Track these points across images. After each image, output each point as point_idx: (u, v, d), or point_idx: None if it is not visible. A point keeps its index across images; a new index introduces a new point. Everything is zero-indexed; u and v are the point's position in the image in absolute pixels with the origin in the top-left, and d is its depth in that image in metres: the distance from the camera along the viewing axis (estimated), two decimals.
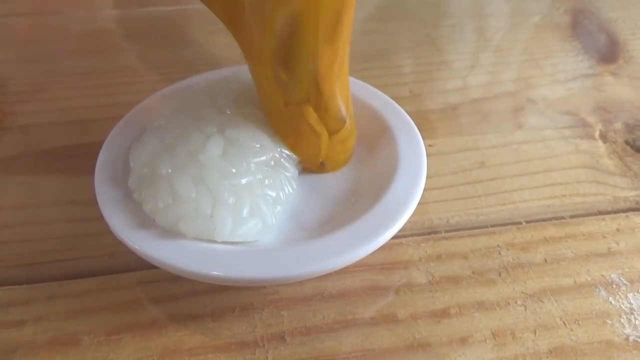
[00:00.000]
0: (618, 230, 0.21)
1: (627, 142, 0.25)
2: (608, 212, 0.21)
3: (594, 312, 0.18)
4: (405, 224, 0.18)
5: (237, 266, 0.16)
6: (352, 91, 0.20)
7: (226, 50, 0.31)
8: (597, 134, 0.25)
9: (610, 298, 0.18)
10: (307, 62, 0.17)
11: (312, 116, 0.19)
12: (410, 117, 0.21)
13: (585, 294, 0.18)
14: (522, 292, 0.18)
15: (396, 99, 0.23)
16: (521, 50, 0.32)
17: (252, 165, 0.18)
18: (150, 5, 0.36)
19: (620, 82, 0.29)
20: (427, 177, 0.19)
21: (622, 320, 0.18)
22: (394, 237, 0.18)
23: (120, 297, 0.18)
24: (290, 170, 0.20)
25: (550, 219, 0.21)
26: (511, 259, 0.20)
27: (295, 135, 0.20)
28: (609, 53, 0.31)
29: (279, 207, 0.19)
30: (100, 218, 0.17)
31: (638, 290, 0.19)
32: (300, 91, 0.18)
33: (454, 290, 0.19)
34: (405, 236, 0.20)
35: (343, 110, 0.19)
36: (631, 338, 0.17)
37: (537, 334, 0.17)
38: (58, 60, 0.30)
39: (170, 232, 0.17)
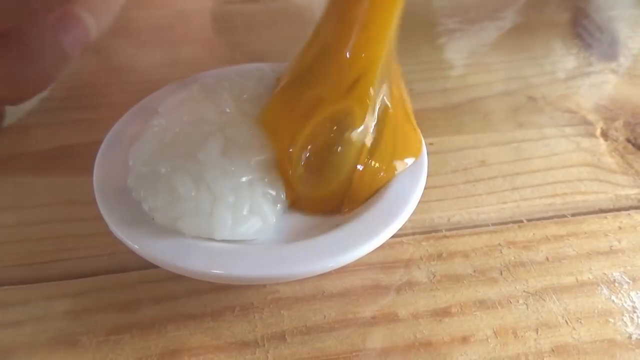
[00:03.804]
0: (620, 228, 0.21)
1: (628, 140, 0.25)
2: (610, 210, 0.21)
3: (596, 311, 0.18)
4: (406, 222, 0.17)
5: (237, 264, 0.16)
6: None
7: (226, 49, 0.31)
8: (598, 132, 0.25)
9: (612, 296, 0.18)
10: None
11: None
12: None
13: (587, 293, 0.18)
14: (524, 291, 0.18)
15: None
16: (521, 49, 0.31)
17: (253, 163, 0.18)
18: (150, 7, 0.35)
19: (621, 79, 0.29)
20: (427, 175, 0.19)
21: (624, 319, 0.17)
22: (395, 236, 0.17)
23: (119, 296, 0.18)
24: None
25: (551, 217, 0.21)
26: (513, 258, 0.19)
27: None
28: (609, 51, 0.31)
29: (279, 205, 0.18)
30: (100, 217, 0.17)
31: None
32: None
33: (455, 289, 0.18)
34: (406, 235, 0.20)
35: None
36: (634, 336, 0.17)
37: (539, 333, 0.17)
38: None
39: (170, 231, 0.17)
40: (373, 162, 0.18)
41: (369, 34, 0.17)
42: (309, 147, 0.18)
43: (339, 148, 0.18)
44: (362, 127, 0.18)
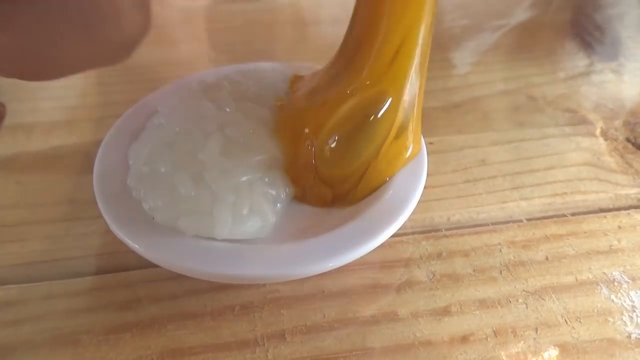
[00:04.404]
0: (619, 227, 0.21)
1: (628, 140, 0.25)
2: (609, 210, 0.21)
3: (595, 310, 0.18)
4: (406, 221, 0.17)
5: (237, 264, 0.16)
6: None
7: (226, 48, 0.31)
8: (598, 131, 0.25)
9: (612, 296, 0.18)
10: None
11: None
12: None
13: (586, 292, 0.18)
14: (524, 290, 0.18)
15: None
16: (522, 48, 0.31)
17: (252, 163, 0.18)
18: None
19: (621, 79, 0.29)
20: (427, 175, 0.19)
21: (623, 318, 0.18)
22: (395, 235, 0.17)
23: (119, 296, 0.18)
24: None
25: (551, 217, 0.21)
26: (512, 257, 0.19)
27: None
28: (610, 50, 0.31)
29: (279, 204, 0.18)
30: (100, 217, 0.17)
31: None
32: None
33: (454, 288, 0.18)
34: (406, 234, 0.20)
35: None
36: (633, 336, 0.17)
37: (538, 332, 0.17)
38: None
39: (170, 230, 0.17)
40: (400, 138, 0.18)
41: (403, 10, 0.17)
42: (339, 128, 0.18)
43: (371, 124, 0.18)
44: (396, 105, 0.18)
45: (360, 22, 0.18)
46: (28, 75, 0.13)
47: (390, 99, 0.18)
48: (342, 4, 0.21)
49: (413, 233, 0.20)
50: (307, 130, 0.19)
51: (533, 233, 0.20)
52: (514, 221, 0.21)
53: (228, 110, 0.20)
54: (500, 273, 0.19)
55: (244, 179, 0.18)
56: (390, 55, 0.17)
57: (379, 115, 0.18)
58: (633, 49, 0.31)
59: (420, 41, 0.17)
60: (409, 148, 0.19)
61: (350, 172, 0.19)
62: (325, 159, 0.18)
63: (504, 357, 0.16)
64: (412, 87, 0.18)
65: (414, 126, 0.19)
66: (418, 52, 0.18)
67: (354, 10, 0.18)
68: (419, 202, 0.18)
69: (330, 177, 0.19)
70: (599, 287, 0.18)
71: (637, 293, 0.18)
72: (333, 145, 0.18)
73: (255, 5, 0.35)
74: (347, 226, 0.17)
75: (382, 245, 0.17)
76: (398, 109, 0.18)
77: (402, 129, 0.18)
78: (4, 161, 0.24)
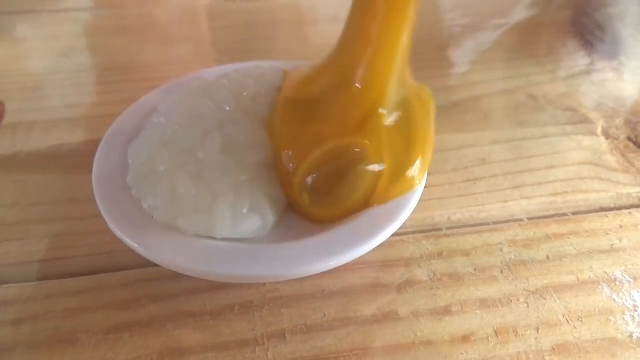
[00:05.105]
0: (621, 227, 0.21)
1: (629, 139, 0.25)
2: (611, 209, 0.21)
3: (597, 310, 0.18)
4: (407, 221, 0.17)
5: (237, 263, 0.16)
6: None
7: (225, 47, 0.31)
8: (599, 130, 0.25)
9: (613, 295, 0.18)
10: None
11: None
12: None
13: (588, 291, 0.18)
14: (525, 290, 0.18)
15: None
16: (522, 47, 0.31)
17: (252, 161, 0.18)
18: (149, 4, 0.35)
19: (621, 78, 0.29)
20: (428, 174, 0.19)
21: (625, 318, 0.17)
22: (395, 235, 0.17)
23: (118, 295, 0.18)
24: None
25: (552, 216, 0.21)
26: (513, 256, 0.19)
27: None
28: (611, 49, 0.31)
29: (279, 204, 0.18)
30: (99, 216, 0.17)
31: None
32: None
33: (455, 287, 0.18)
34: (406, 233, 0.20)
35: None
36: (635, 335, 0.17)
37: (539, 332, 0.17)
38: (55, 58, 0.30)
39: (170, 230, 0.17)
40: (391, 186, 0.18)
41: (379, 62, 0.17)
42: (314, 175, 0.18)
43: (351, 179, 0.17)
44: (375, 159, 0.17)
45: (339, 61, 0.18)
46: None
47: (364, 151, 0.17)
48: (340, 4, 0.21)
49: (414, 232, 0.20)
50: (288, 153, 0.18)
51: (534, 232, 0.20)
52: (515, 220, 0.21)
53: (228, 109, 0.20)
54: (502, 272, 0.19)
55: (243, 177, 0.18)
56: (365, 111, 0.17)
57: (357, 166, 0.17)
58: (634, 48, 0.31)
59: (391, 95, 0.17)
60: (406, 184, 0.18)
61: (342, 213, 0.18)
62: (307, 203, 0.18)
63: (505, 357, 0.16)
64: (393, 144, 0.18)
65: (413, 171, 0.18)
66: (392, 101, 0.17)
67: (339, 40, 0.18)
68: (419, 201, 0.18)
69: (314, 217, 0.18)
70: (600, 286, 0.18)
71: (638, 292, 0.18)
72: (310, 190, 0.18)
73: (254, 5, 0.35)
74: (348, 225, 0.17)
75: (382, 245, 0.17)
76: (375, 160, 0.17)
77: (395, 176, 0.18)
78: (3, 160, 0.23)
